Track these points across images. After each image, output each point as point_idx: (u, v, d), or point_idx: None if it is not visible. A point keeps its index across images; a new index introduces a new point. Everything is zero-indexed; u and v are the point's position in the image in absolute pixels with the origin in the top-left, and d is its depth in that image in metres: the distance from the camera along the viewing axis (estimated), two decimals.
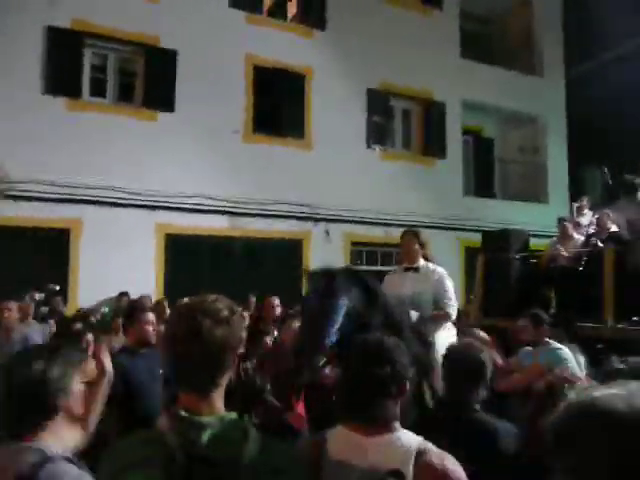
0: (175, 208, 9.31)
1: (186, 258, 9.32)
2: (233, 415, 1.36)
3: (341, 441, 1.70)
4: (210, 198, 9.62)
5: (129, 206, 9.01)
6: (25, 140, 8.29)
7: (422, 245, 4.22)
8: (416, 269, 4.14)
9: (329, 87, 10.89)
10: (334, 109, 10.82)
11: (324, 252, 10.46)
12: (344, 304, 2.78)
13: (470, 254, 11.04)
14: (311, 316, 2.83)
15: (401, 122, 12.35)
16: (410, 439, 1.65)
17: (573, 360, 4.18)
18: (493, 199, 13.34)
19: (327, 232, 10.67)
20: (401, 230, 4.36)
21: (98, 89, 9.53)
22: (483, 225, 10.88)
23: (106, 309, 8.08)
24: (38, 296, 7.20)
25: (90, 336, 4.86)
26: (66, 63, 8.99)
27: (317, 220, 10.60)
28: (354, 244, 11.09)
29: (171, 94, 9.60)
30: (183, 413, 1.32)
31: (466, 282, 11.46)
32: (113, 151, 8.92)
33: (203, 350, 1.34)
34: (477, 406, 2.35)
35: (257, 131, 10.31)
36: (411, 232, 4.27)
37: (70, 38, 9.02)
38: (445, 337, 3.77)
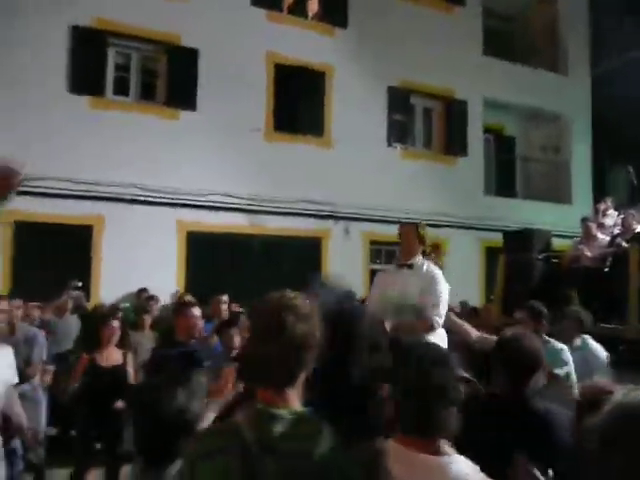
0: (196, 206, 9.38)
1: (207, 255, 9.38)
2: (308, 411, 1.39)
3: (394, 456, 1.58)
4: (231, 196, 9.67)
5: (151, 203, 9.10)
6: (48, 137, 8.42)
7: (422, 240, 3.76)
8: (410, 266, 3.70)
9: (350, 85, 10.86)
10: (354, 107, 10.79)
11: (343, 250, 10.45)
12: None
13: (491, 254, 10.94)
14: None
15: (422, 120, 12.27)
16: (462, 468, 1.54)
17: (571, 362, 4.08)
18: (514, 198, 13.19)
19: (347, 230, 10.65)
20: None
21: (121, 87, 9.64)
22: (504, 225, 10.77)
23: (126, 304, 8.19)
24: (75, 293, 7.35)
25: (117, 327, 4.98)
26: (90, 62, 9.10)
27: (337, 218, 10.59)
28: (373, 243, 11.05)
29: (193, 92, 9.67)
30: (259, 406, 1.35)
31: (486, 282, 11.38)
32: (135, 149, 9.02)
33: (285, 346, 1.35)
34: (535, 395, 2.30)
35: (278, 129, 10.33)
36: (410, 224, 3.87)
37: (94, 37, 9.13)
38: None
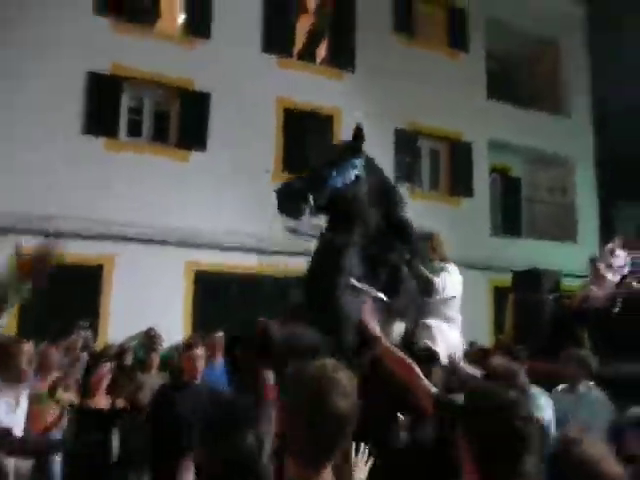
0: (205, 246, 9.46)
1: (215, 295, 9.40)
2: None
3: None
4: (239, 236, 9.75)
5: (161, 243, 9.18)
6: (63, 178, 8.59)
7: (434, 249, 3.91)
8: None
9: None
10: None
11: None
12: (356, 170, 2.95)
13: (499, 294, 10.90)
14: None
15: (428, 162, 12.46)
16: None
17: (549, 409, 3.78)
18: (521, 238, 13.24)
19: None
20: None
21: (134, 129, 9.89)
22: (511, 265, 10.77)
23: (134, 343, 8.18)
24: (84, 332, 7.36)
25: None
26: (105, 105, 9.37)
27: None
28: None
29: (203, 134, 9.89)
30: None
31: (495, 322, 11.31)
32: (147, 189, 9.17)
33: (326, 422, 1.27)
34: None
35: (286, 170, 10.49)
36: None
37: (109, 82, 9.43)
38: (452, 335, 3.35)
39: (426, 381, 2.19)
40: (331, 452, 1.31)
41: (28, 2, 9.00)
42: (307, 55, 11.76)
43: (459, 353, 3.49)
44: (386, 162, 11.40)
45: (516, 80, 14.83)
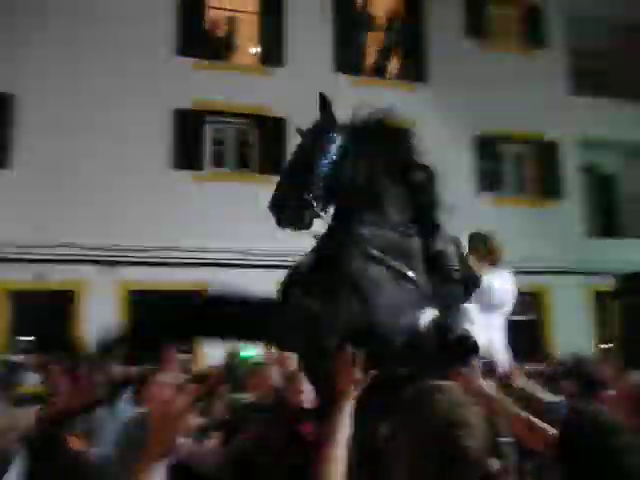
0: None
1: None
2: None
3: None
4: None
5: (253, 267, 9.38)
6: (157, 212, 9.14)
7: (489, 251, 3.31)
8: None
9: (434, 138, 10.90)
10: (440, 159, 10.76)
11: None
12: (337, 142, 2.47)
13: (599, 299, 10.27)
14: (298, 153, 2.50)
15: (513, 166, 12.04)
16: None
17: None
18: (620, 238, 12.39)
19: None
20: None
21: (218, 160, 10.37)
22: (612, 268, 10.11)
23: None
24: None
25: None
26: (190, 139, 9.92)
27: None
28: None
29: (283, 158, 10.17)
30: None
31: (597, 330, 10.62)
32: (235, 215, 9.50)
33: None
34: None
35: None
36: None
37: (192, 117, 9.97)
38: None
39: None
40: None
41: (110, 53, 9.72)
42: (379, 71, 11.80)
43: (504, 357, 2.96)
44: (467, 170, 11.19)
45: (604, 72, 14.01)
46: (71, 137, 9.13)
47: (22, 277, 8.63)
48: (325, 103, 2.69)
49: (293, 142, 10.17)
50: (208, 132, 10.36)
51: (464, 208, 11.47)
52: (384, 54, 11.99)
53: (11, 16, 9.31)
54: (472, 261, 2.97)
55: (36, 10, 9.42)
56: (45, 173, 8.97)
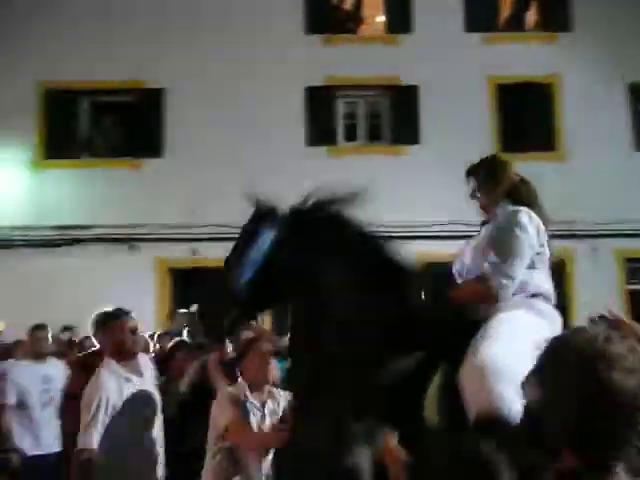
0: (429, 237, 9.50)
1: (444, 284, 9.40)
2: None
3: None
4: (461, 224, 9.60)
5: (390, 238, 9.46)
6: (291, 189, 9.49)
7: (499, 181, 2.61)
8: (485, 223, 2.64)
9: (580, 90, 10.03)
10: (588, 114, 9.90)
11: (592, 272, 9.49)
12: (269, 234, 2.46)
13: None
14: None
15: None
16: None
17: None
18: None
19: (595, 249, 9.66)
20: None
21: (350, 134, 10.48)
22: None
23: None
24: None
25: None
26: (323, 115, 10.13)
27: (581, 237, 9.67)
28: (629, 260, 9.83)
29: (416, 128, 10.00)
30: None
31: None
32: (372, 188, 9.58)
33: (611, 409, 0.98)
34: None
35: (506, 151, 9.99)
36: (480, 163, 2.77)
37: (325, 93, 10.15)
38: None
39: None
40: (622, 446, 1.00)
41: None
42: (514, 24, 11.02)
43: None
44: (619, 124, 10.11)
45: None
46: (216, 127, 9.71)
47: (180, 255, 9.55)
48: (260, 211, 2.67)
49: (426, 110, 9.94)
50: (340, 107, 10.49)
51: (617, 166, 10.52)
52: (519, 5, 11.16)
53: (161, 16, 10.11)
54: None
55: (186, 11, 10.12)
56: (195, 161, 9.71)
